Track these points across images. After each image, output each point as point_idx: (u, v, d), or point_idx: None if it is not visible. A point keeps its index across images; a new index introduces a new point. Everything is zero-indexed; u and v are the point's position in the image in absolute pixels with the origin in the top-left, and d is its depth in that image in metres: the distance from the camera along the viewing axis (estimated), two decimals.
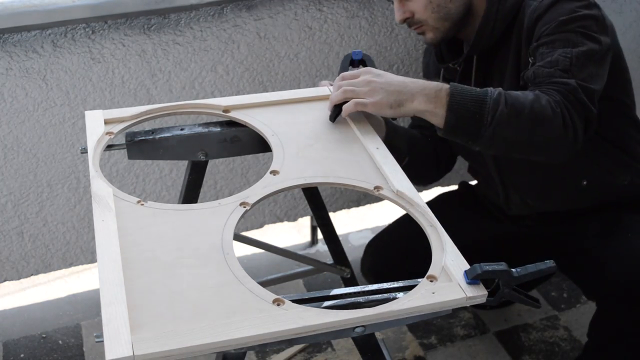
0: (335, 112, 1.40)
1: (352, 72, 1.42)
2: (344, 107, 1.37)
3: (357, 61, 1.56)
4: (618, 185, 1.64)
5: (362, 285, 1.09)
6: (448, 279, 1.04)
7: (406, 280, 1.06)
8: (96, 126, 1.37)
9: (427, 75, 1.79)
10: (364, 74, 1.37)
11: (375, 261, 1.87)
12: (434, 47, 1.66)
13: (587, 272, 1.63)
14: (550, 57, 1.39)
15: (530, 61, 1.44)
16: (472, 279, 1.02)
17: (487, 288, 1.03)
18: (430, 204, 1.22)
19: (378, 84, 1.34)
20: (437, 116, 1.32)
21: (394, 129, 1.62)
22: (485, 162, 1.69)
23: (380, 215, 2.58)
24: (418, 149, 1.73)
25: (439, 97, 1.31)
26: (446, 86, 1.32)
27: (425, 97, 1.32)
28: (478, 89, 1.33)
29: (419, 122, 1.80)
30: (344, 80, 1.39)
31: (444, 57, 1.66)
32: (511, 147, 1.37)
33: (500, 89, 1.34)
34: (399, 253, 1.81)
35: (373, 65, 1.50)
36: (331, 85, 1.56)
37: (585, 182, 1.63)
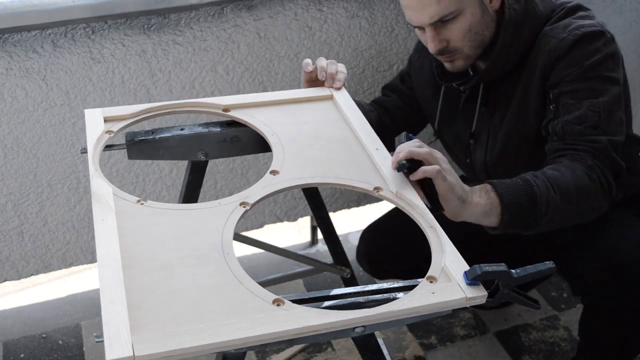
0: (404, 166, 1.22)
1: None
2: (424, 168, 1.20)
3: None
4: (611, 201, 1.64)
5: (362, 285, 1.09)
6: (448, 279, 1.05)
7: (406, 281, 1.06)
8: (96, 125, 1.37)
9: (418, 79, 1.75)
10: (445, 157, 1.25)
11: (369, 248, 1.89)
12: (435, 61, 1.60)
13: (570, 269, 1.63)
14: (578, 110, 1.40)
15: (552, 109, 1.44)
16: (472, 279, 1.02)
17: (486, 289, 1.03)
18: None
19: (453, 171, 1.24)
20: (492, 217, 1.28)
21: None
22: (477, 176, 1.70)
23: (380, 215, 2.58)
24: None
25: (492, 200, 1.26)
26: (490, 187, 1.28)
27: (481, 200, 1.25)
28: (520, 181, 1.31)
29: (392, 103, 1.79)
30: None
31: (446, 74, 1.61)
32: (564, 224, 1.40)
33: (538, 174, 1.33)
34: (393, 240, 1.83)
35: None
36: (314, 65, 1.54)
37: None
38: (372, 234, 1.91)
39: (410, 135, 1.30)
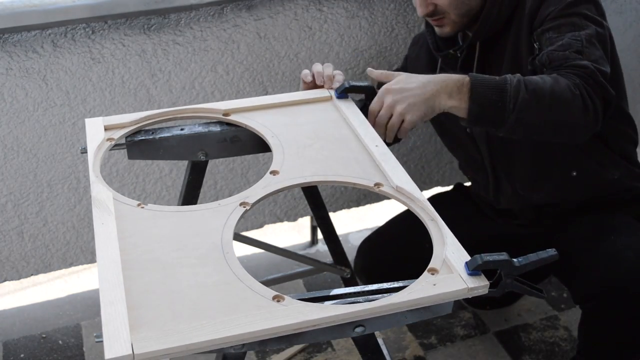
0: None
1: (374, 101, 1.41)
2: (388, 127, 1.38)
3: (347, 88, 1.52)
4: (607, 179, 1.66)
5: (361, 285, 1.09)
6: (449, 270, 1.04)
7: (406, 281, 1.06)
8: (96, 132, 1.38)
9: (415, 66, 1.80)
10: (384, 94, 1.38)
11: (367, 262, 1.88)
12: (431, 37, 1.67)
13: (571, 276, 1.63)
14: (561, 40, 1.43)
15: (536, 46, 1.48)
16: (473, 269, 1.02)
17: (489, 279, 1.02)
18: (431, 199, 1.22)
19: (402, 89, 1.36)
20: (460, 109, 1.35)
21: None
22: (479, 151, 1.70)
23: (381, 215, 2.58)
24: None
25: (462, 91, 1.34)
26: (466, 78, 1.35)
27: (447, 94, 1.34)
28: (497, 78, 1.36)
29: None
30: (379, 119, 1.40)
31: (440, 46, 1.67)
32: (534, 131, 1.40)
33: (519, 75, 1.37)
34: (390, 254, 1.83)
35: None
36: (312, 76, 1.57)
37: (574, 173, 1.65)
38: (369, 247, 1.90)
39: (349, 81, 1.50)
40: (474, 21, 1.58)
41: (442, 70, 1.70)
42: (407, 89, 1.36)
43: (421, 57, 1.78)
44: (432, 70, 1.71)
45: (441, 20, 1.57)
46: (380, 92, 1.40)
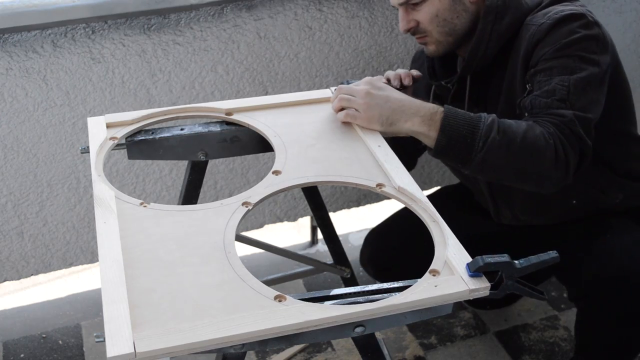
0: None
1: (355, 82, 1.42)
2: (337, 115, 1.40)
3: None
4: (609, 202, 1.63)
5: (362, 285, 1.09)
6: (450, 272, 1.04)
7: (406, 280, 1.06)
8: (98, 131, 1.38)
9: (416, 85, 1.74)
10: (365, 84, 1.39)
11: (373, 252, 1.88)
12: (428, 61, 1.64)
13: (568, 274, 1.63)
14: (548, 85, 1.38)
15: (528, 88, 1.43)
16: (475, 271, 1.02)
17: (490, 281, 1.02)
18: (431, 197, 1.22)
19: (375, 97, 1.36)
20: (429, 138, 1.33)
21: None
22: (476, 178, 1.69)
23: (381, 215, 2.57)
24: None
25: (434, 120, 1.32)
26: (441, 109, 1.33)
27: (420, 118, 1.33)
28: (472, 114, 1.33)
29: None
30: (344, 89, 1.40)
31: (437, 73, 1.64)
32: (500, 175, 1.37)
33: (494, 115, 1.34)
34: (397, 244, 1.82)
35: None
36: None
37: (574, 202, 1.62)
38: (376, 237, 1.90)
39: (348, 80, 1.50)
40: (465, 41, 1.54)
41: (436, 97, 1.69)
42: (386, 93, 1.36)
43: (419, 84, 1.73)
44: (427, 94, 1.70)
45: (424, 38, 1.54)
46: (365, 79, 1.41)
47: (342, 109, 1.40)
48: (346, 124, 1.41)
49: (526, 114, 1.40)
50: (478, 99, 1.59)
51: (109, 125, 1.40)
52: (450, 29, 1.51)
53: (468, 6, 1.49)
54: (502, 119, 1.34)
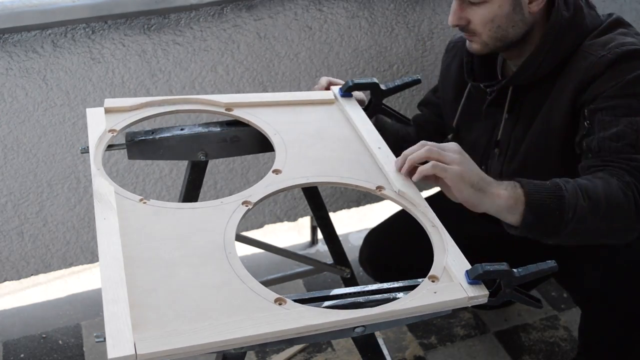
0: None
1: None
2: (420, 168, 1.20)
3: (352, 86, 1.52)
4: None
5: (362, 285, 1.09)
6: (449, 279, 1.05)
7: (406, 280, 1.06)
8: (98, 123, 1.37)
9: (445, 77, 1.73)
10: (455, 145, 1.24)
11: (372, 252, 1.88)
12: (466, 56, 1.58)
13: (571, 278, 1.63)
14: (615, 127, 1.33)
15: (586, 125, 1.38)
16: (474, 279, 1.02)
17: (488, 288, 1.03)
18: (431, 198, 1.22)
19: (467, 156, 1.22)
20: (514, 214, 1.21)
21: (381, 126, 1.61)
22: None
23: (381, 215, 2.57)
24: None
25: (517, 195, 1.21)
26: (518, 184, 1.23)
27: (505, 192, 1.21)
28: (548, 183, 1.25)
29: (424, 118, 1.80)
30: (429, 142, 1.24)
31: (475, 71, 1.59)
32: (586, 238, 1.31)
33: (569, 180, 1.27)
34: (396, 244, 1.82)
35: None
36: (331, 84, 1.56)
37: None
38: (375, 237, 1.90)
39: (350, 80, 1.47)
40: (512, 47, 1.48)
41: (469, 97, 1.64)
42: (469, 161, 1.21)
43: (451, 71, 1.70)
44: (460, 92, 1.66)
45: (471, 37, 1.48)
46: (452, 143, 1.25)
47: (425, 162, 1.22)
48: (346, 125, 1.41)
49: (590, 155, 1.35)
50: (513, 108, 1.54)
51: (107, 110, 1.39)
52: (502, 36, 1.44)
53: (527, 17, 1.43)
54: (576, 180, 1.27)
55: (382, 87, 1.51)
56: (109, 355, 0.87)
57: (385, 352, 1.27)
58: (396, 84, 1.53)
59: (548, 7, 1.45)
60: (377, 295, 1.03)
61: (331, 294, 1.04)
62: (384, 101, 1.55)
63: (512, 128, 1.55)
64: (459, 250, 1.09)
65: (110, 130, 1.35)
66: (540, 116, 1.48)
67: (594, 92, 1.37)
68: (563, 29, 1.43)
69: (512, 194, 1.21)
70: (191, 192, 1.53)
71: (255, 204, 1.18)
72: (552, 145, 1.48)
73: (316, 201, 1.63)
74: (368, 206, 2.44)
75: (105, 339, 0.90)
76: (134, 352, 0.88)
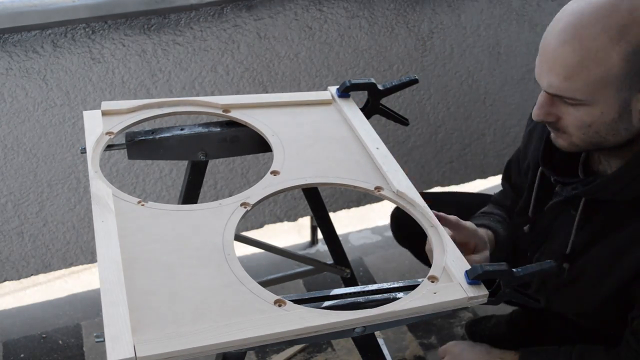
0: None
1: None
2: None
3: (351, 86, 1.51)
4: None
5: (362, 285, 1.09)
6: (449, 279, 1.05)
7: (406, 281, 1.06)
8: (95, 126, 1.36)
9: (527, 141, 1.47)
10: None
11: (399, 226, 1.80)
12: (547, 142, 1.31)
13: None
14: None
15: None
16: (473, 279, 1.02)
17: (488, 288, 1.03)
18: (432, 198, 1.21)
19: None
20: None
21: (499, 241, 1.48)
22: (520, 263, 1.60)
23: (381, 215, 2.58)
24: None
25: None
26: (516, 356, 1.30)
27: None
28: (549, 349, 1.28)
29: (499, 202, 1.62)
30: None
31: (553, 160, 1.32)
32: None
33: (583, 350, 1.28)
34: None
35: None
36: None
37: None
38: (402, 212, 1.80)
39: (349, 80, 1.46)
40: (606, 150, 1.23)
41: (540, 184, 1.38)
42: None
43: (534, 140, 1.43)
44: (530, 170, 1.43)
45: (559, 134, 1.22)
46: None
47: None
48: (344, 125, 1.40)
49: (631, 337, 1.23)
50: (581, 225, 1.30)
51: (104, 113, 1.38)
52: (597, 142, 1.18)
53: (634, 124, 1.16)
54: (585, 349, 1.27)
55: (380, 87, 1.51)
56: (109, 358, 0.87)
57: (385, 352, 1.27)
58: (393, 84, 1.53)
59: None
60: (377, 295, 1.04)
61: (331, 294, 1.04)
62: (383, 101, 1.55)
63: (582, 247, 1.31)
64: (458, 250, 1.09)
65: (107, 133, 1.35)
66: (602, 244, 1.27)
67: None
68: None
69: None
70: (191, 192, 1.53)
71: (254, 205, 1.18)
72: (606, 288, 1.28)
73: (316, 201, 1.63)
74: (368, 206, 2.44)
75: (104, 339, 0.90)
76: (133, 355, 0.88)
